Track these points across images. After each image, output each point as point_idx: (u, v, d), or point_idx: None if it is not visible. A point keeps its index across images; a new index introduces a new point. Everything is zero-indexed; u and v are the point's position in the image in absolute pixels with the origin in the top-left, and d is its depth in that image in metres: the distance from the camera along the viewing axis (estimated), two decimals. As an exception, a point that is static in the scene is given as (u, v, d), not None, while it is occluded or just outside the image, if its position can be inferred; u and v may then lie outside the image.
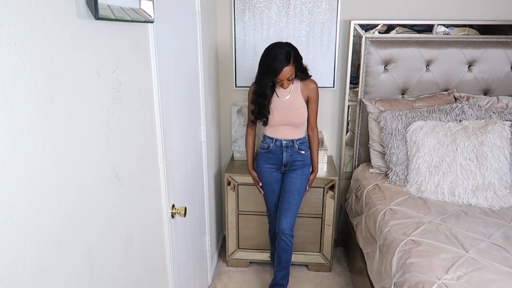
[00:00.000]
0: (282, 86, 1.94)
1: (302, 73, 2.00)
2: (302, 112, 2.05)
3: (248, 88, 2.18)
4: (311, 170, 2.20)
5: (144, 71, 1.23)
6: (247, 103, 2.59)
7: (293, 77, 1.93)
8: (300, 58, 1.94)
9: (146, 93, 1.25)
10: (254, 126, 2.21)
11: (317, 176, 2.37)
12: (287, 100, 2.03)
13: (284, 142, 2.10)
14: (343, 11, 2.44)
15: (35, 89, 0.68)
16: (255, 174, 2.23)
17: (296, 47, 1.94)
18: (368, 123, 2.47)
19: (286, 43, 1.92)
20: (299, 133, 2.11)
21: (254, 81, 2.05)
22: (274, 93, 2.03)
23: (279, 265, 2.25)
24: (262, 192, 2.24)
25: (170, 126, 1.52)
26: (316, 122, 2.15)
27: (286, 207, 2.14)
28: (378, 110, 2.40)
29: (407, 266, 1.56)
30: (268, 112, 2.03)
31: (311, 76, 2.06)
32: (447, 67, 2.42)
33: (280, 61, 1.85)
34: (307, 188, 2.20)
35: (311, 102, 2.07)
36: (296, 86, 2.04)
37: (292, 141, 2.10)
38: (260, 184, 2.23)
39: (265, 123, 2.09)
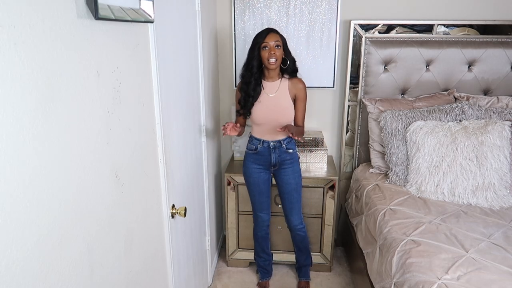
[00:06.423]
0: (269, 59, 1.92)
1: (291, 69, 2.02)
2: (289, 112, 2.05)
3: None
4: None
5: (144, 71, 1.23)
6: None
7: (281, 51, 1.94)
8: (286, 42, 1.99)
9: (146, 93, 1.25)
10: (242, 121, 2.14)
11: (317, 176, 2.39)
12: (274, 97, 2.03)
13: (271, 143, 2.09)
14: (343, 11, 2.44)
15: (35, 89, 0.68)
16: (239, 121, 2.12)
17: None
18: (368, 123, 2.47)
19: None
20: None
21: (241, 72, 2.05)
22: (262, 88, 2.03)
23: (299, 251, 2.36)
24: (224, 134, 1.91)
25: (170, 126, 1.52)
26: (304, 121, 2.12)
27: (289, 206, 2.20)
28: (378, 110, 2.40)
29: (407, 266, 1.56)
30: (253, 99, 2.00)
31: (299, 77, 2.07)
32: (447, 67, 2.42)
33: (265, 29, 1.97)
34: (290, 133, 1.88)
35: (298, 102, 2.06)
36: (284, 85, 2.04)
37: (280, 141, 2.09)
38: (226, 125, 1.92)
39: (248, 113, 2.03)
